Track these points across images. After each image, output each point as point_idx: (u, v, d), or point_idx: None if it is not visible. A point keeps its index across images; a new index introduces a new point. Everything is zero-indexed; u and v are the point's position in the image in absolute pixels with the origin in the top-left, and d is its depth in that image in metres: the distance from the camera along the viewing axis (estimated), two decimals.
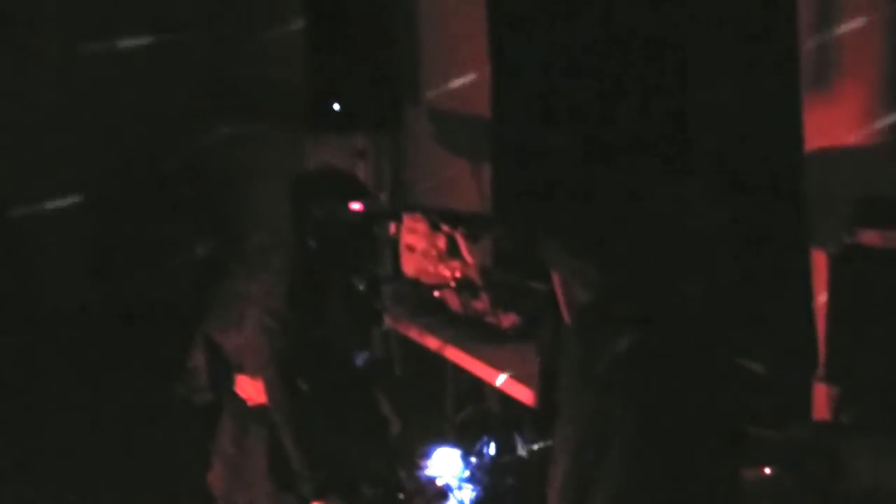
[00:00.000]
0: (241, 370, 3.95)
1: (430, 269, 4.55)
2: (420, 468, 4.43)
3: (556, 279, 3.41)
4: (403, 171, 6.51)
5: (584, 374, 3.15)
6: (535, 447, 4.28)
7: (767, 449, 3.48)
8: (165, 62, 6.82)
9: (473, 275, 4.39)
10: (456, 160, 5.79)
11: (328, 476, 3.78)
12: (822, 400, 3.79)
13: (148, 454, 5.35)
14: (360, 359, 4.19)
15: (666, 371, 3.02)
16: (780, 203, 3.91)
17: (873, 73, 3.84)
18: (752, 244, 3.67)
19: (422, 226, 4.60)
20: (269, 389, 3.83)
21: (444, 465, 4.44)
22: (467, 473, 4.43)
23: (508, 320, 4.30)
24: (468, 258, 4.39)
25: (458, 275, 4.43)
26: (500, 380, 3.99)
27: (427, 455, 4.47)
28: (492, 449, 4.49)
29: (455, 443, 4.58)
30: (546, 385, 3.60)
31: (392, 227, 4.85)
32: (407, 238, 4.73)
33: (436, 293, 4.60)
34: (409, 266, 4.75)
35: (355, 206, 3.97)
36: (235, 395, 3.97)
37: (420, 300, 4.71)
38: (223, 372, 3.99)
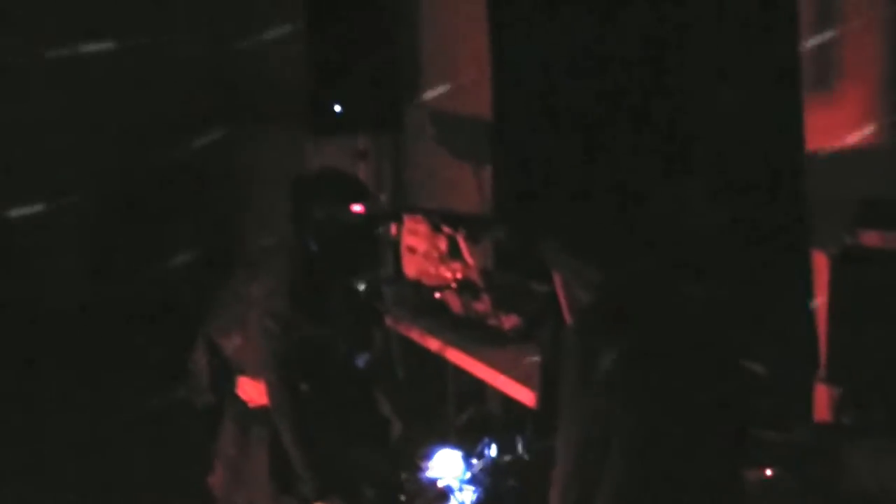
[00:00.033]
0: (243, 372, 3.94)
1: (432, 270, 4.55)
2: (421, 470, 4.43)
3: (557, 280, 3.42)
4: (404, 172, 6.51)
5: (585, 374, 3.15)
6: (537, 448, 4.28)
7: (768, 450, 3.49)
8: (166, 62, 6.82)
9: (474, 276, 4.38)
10: (457, 161, 5.79)
11: (329, 478, 3.78)
12: (822, 401, 3.80)
13: (148, 455, 5.35)
14: (361, 360, 4.18)
15: (666, 372, 3.02)
16: (780, 203, 3.91)
17: (873, 73, 3.84)
18: (752, 244, 3.68)
19: (423, 227, 4.60)
20: (271, 391, 3.82)
21: (446, 466, 4.44)
22: (468, 475, 4.42)
23: (510, 322, 4.29)
24: (469, 259, 4.38)
25: (459, 276, 4.42)
26: (502, 381, 3.99)
27: (428, 456, 4.47)
28: (493, 450, 4.49)
29: (456, 444, 4.57)
30: (547, 386, 3.60)
31: (393, 229, 4.84)
32: (408, 239, 4.72)
33: (437, 295, 4.59)
34: (410, 267, 4.74)
35: (356, 207, 3.96)
36: (236, 397, 3.97)
37: (421, 302, 4.71)
38: (224, 373, 3.99)
